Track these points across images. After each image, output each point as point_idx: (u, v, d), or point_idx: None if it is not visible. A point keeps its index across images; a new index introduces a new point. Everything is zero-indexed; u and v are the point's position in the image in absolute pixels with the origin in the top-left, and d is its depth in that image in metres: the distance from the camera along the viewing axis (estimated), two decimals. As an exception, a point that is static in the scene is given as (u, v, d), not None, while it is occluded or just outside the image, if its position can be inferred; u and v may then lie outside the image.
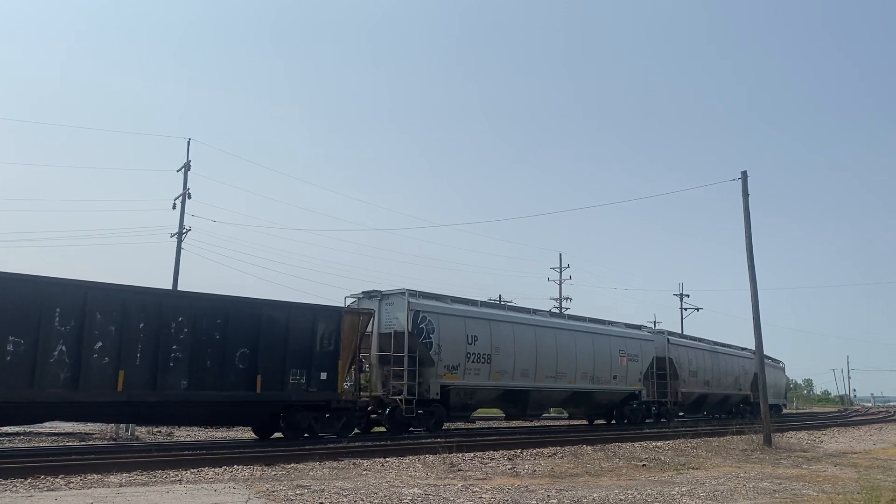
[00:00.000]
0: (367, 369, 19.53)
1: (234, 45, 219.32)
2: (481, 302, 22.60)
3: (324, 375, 16.72)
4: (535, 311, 25.08)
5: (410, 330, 19.06)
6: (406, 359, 18.91)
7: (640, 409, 28.28)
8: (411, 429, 19.47)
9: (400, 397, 18.80)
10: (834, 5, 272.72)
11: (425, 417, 19.40)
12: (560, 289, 55.54)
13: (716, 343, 37.63)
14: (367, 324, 18.14)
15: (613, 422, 28.35)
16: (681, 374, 30.86)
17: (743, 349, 40.33)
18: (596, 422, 29.14)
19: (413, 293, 19.58)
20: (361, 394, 18.57)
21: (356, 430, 18.43)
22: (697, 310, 63.16)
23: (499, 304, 24.55)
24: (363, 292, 20.14)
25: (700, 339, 36.24)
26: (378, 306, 19.58)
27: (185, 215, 33.07)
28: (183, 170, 33.43)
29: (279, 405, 16.27)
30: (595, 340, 25.95)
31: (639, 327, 30.31)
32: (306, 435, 16.62)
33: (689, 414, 36.23)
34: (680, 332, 49.37)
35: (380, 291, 19.85)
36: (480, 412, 27.69)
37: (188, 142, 33.65)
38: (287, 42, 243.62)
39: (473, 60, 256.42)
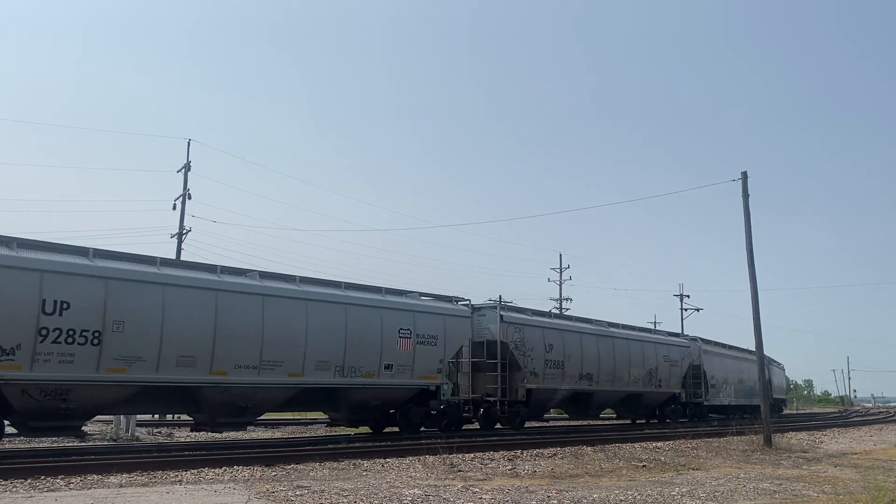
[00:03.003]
0: None
1: (235, 45, 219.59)
2: (61, 244, 13.90)
3: None
4: (197, 265, 16.22)
5: None
6: None
7: (447, 412, 20.27)
8: None
9: None
10: (835, 4, 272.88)
11: None
12: (560, 289, 55.66)
13: (612, 325, 28.10)
14: None
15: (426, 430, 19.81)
16: (526, 365, 22.80)
17: (674, 335, 32.40)
18: (386, 429, 20.28)
19: None
20: None
21: None
22: (697, 310, 63.33)
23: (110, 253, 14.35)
24: None
25: (585, 320, 27.16)
26: None
27: (186, 216, 33.26)
28: (183, 170, 33.62)
29: None
30: (351, 314, 17.61)
31: (450, 300, 21.43)
32: None
33: (573, 415, 29.18)
34: (680, 331, 48.43)
35: None
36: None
37: (188, 142, 33.84)
38: (288, 42, 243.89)
39: (474, 61, 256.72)
